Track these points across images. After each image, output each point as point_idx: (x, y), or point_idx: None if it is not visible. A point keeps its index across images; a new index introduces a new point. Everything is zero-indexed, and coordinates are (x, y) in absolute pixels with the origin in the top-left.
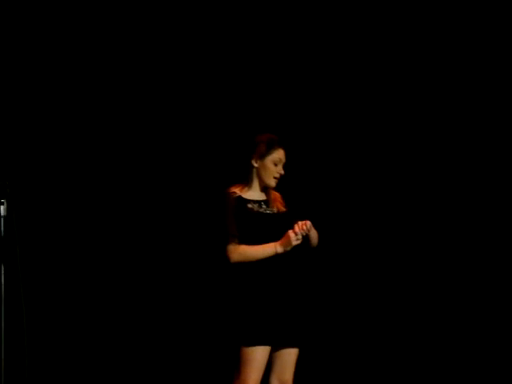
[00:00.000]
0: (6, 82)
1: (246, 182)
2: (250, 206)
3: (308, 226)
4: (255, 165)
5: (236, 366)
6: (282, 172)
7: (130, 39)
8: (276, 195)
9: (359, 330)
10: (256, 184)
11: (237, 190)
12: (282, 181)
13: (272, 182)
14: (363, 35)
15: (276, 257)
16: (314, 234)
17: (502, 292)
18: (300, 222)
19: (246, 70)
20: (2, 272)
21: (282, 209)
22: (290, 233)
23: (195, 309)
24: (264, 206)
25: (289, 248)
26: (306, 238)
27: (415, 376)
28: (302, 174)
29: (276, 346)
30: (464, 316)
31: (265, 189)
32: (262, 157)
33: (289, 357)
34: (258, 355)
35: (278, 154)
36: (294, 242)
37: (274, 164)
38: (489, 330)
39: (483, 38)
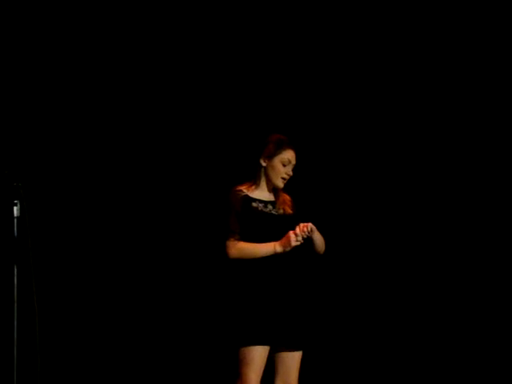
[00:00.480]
0: (19, 84)
1: (254, 181)
2: (254, 204)
3: (309, 228)
4: (263, 164)
5: (236, 367)
6: (291, 173)
7: (145, 34)
8: (285, 198)
9: (361, 331)
10: (264, 184)
11: (244, 188)
12: (291, 184)
13: (279, 183)
14: (375, 38)
15: (276, 257)
16: (318, 238)
17: (502, 292)
18: (302, 224)
19: (259, 69)
20: (15, 273)
21: (289, 211)
22: (291, 233)
23: (194, 310)
24: (270, 207)
25: (288, 249)
26: (309, 241)
27: (417, 376)
28: (311, 179)
29: (277, 348)
30: (465, 316)
31: (274, 190)
32: (270, 156)
33: (292, 360)
34: (256, 355)
35: (287, 155)
36: (294, 243)
37: (282, 164)
38: (489, 330)
39: (483, 37)
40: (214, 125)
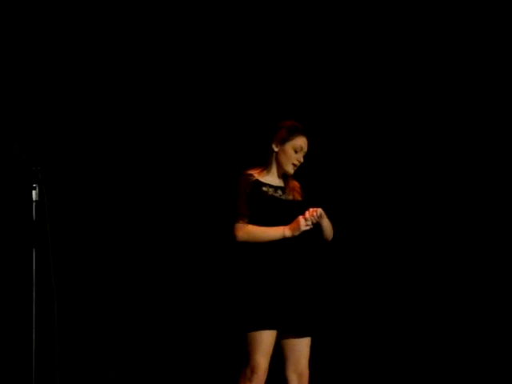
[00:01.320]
0: (38, 69)
1: (265, 166)
2: (264, 189)
3: (318, 212)
4: (275, 149)
5: (244, 353)
6: (301, 160)
7: (154, 27)
8: (295, 184)
9: (370, 317)
10: (274, 169)
11: (254, 173)
12: (301, 171)
13: (290, 169)
14: (386, 31)
15: (285, 242)
16: (326, 224)
17: (502, 292)
18: (311, 209)
19: (273, 56)
20: (34, 256)
21: (298, 198)
22: (300, 218)
23: (202, 295)
24: (280, 192)
25: (297, 233)
26: (317, 227)
27: (425, 363)
28: (320, 166)
29: (285, 334)
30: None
31: (284, 176)
32: (282, 142)
33: (301, 346)
34: (264, 339)
35: (300, 141)
36: (303, 228)
37: (294, 151)
38: (489, 330)
39: (483, 38)
40: (226, 110)
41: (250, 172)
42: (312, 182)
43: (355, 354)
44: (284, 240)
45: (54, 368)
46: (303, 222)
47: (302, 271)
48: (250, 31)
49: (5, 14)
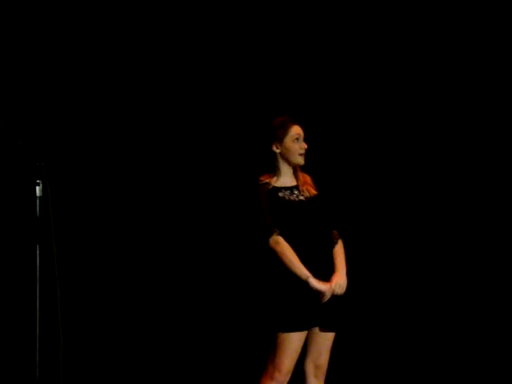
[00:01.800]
0: (41, 64)
1: (274, 170)
2: (281, 194)
3: (342, 290)
4: (277, 150)
5: (271, 350)
6: (305, 146)
7: (162, 27)
8: (306, 178)
9: (396, 314)
10: (285, 169)
11: (268, 180)
12: (312, 165)
13: (299, 160)
14: (386, 28)
15: (313, 242)
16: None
17: (502, 292)
18: (338, 284)
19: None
20: (38, 252)
21: (313, 192)
22: (327, 289)
23: (232, 294)
24: (296, 193)
25: (318, 290)
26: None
27: (449, 359)
28: (332, 159)
29: (311, 328)
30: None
31: (295, 173)
32: (280, 140)
33: (324, 341)
34: (294, 341)
35: (294, 130)
36: (324, 298)
37: (294, 142)
38: (489, 330)
39: (483, 38)
40: (229, 115)
41: (265, 180)
42: (324, 173)
43: (377, 350)
44: (311, 239)
45: (57, 364)
46: (326, 295)
47: (330, 269)
48: (255, 36)
49: (10, 12)
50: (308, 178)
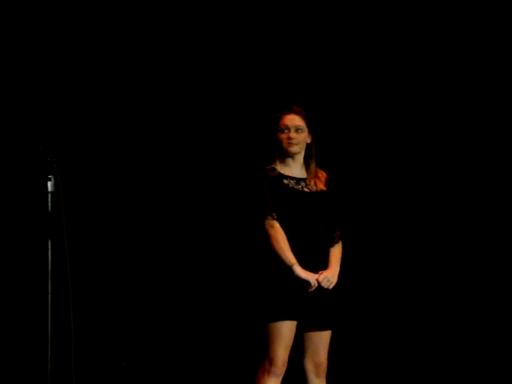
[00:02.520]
0: (53, 60)
1: (282, 159)
2: (285, 181)
3: (330, 284)
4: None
5: (264, 344)
6: (292, 136)
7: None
8: (319, 173)
9: (393, 311)
10: (290, 159)
11: (276, 166)
12: (329, 162)
13: (290, 149)
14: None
15: (310, 235)
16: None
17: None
18: (325, 276)
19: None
20: (49, 247)
21: (322, 187)
22: (313, 280)
23: (221, 285)
24: (302, 184)
25: (301, 278)
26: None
27: (453, 357)
28: (349, 157)
29: (306, 327)
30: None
31: (307, 166)
32: (276, 131)
33: (321, 339)
34: (283, 330)
35: (282, 121)
36: (310, 288)
37: (282, 132)
38: (489, 330)
39: (483, 38)
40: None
41: (271, 166)
42: (341, 171)
43: (374, 348)
44: (307, 232)
45: (69, 359)
46: (312, 286)
47: (323, 264)
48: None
49: (21, 9)
50: (322, 174)
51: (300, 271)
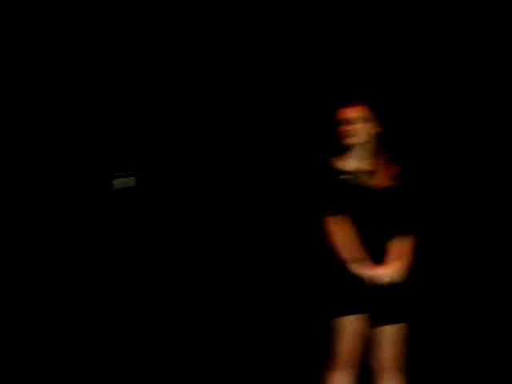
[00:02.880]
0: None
1: (343, 153)
2: (343, 177)
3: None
4: None
5: (331, 341)
6: (346, 128)
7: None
8: (388, 168)
9: (464, 306)
10: (353, 152)
11: (336, 161)
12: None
13: (346, 141)
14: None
15: (371, 230)
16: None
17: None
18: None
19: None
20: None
21: (389, 183)
22: (370, 273)
23: (288, 281)
24: (363, 178)
25: (357, 273)
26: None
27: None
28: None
29: (375, 323)
30: None
31: (375, 158)
32: (336, 125)
33: (385, 335)
34: (348, 325)
35: (341, 115)
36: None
37: (341, 125)
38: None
39: (483, 38)
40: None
41: (332, 160)
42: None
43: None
44: (368, 227)
45: None
46: (369, 280)
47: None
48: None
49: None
50: (392, 169)
51: (356, 267)
